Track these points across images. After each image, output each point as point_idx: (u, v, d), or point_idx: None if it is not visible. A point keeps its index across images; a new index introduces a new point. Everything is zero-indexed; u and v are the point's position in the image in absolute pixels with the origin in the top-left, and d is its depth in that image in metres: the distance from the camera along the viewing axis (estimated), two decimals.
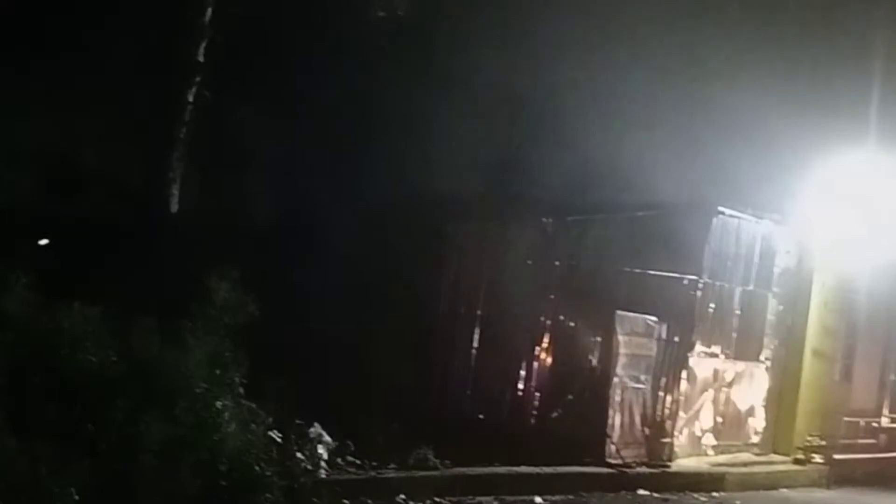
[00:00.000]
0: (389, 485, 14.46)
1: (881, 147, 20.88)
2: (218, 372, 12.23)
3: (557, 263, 20.13)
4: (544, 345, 19.64)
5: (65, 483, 10.49)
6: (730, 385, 20.51)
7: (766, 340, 21.13)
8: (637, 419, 18.39)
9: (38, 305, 11.63)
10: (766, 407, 21.26)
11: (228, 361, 12.34)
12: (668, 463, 18.71)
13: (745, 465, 20.22)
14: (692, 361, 19.34)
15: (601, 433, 17.88)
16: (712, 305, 19.73)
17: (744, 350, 20.64)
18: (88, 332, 11.53)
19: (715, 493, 18.36)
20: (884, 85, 21.34)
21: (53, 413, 10.97)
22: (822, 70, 21.94)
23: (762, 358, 21.13)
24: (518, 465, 16.40)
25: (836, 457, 20.98)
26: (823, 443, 21.17)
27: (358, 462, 14.67)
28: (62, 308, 11.61)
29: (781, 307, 21.29)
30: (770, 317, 21.09)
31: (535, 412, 19.41)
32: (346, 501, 13.59)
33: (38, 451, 10.51)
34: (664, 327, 18.94)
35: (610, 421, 17.96)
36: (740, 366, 20.63)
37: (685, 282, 19.21)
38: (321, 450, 14.08)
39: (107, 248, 15.77)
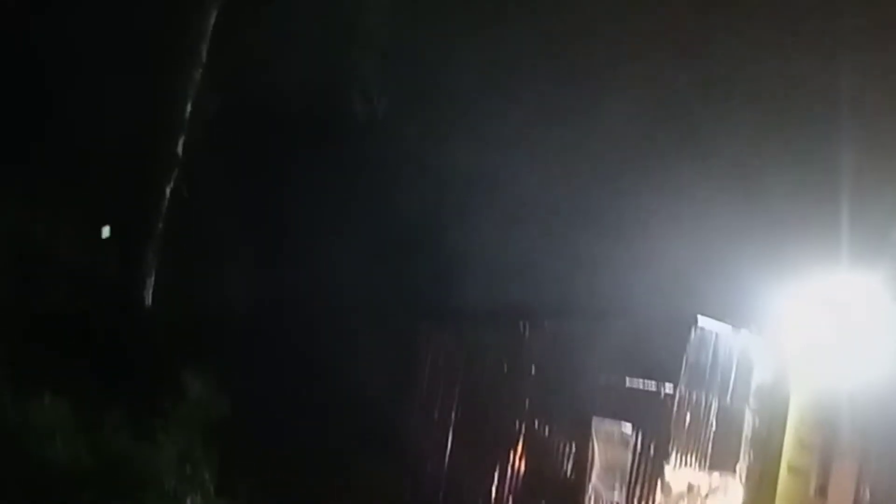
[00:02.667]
0: None
1: (857, 263, 20.89)
2: (189, 469, 12.02)
3: (533, 369, 20.02)
4: (518, 451, 19.44)
5: None
6: (704, 498, 20.26)
7: (741, 454, 20.94)
8: None
9: (8, 398, 11.41)
10: None
11: (200, 459, 12.14)
12: None
13: None
14: (667, 473, 19.13)
15: None
16: (688, 417, 19.58)
17: (719, 463, 20.39)
18: (58, 427, 11.32)
19: None
20: (858, 202, 21.42)
21: None
22: (797, 186, 22.06)
23: (737, 471, 20.91)
24: None
25: None
26: None
27: None
28: (32, 401, 11.40)
29: (758, 421, 21.13)
30: (746, 430, 20.92)
31: None
32: None
33: None
34: (639, 437, 18.78)
35: None
36: (715, 479, 20.39)
37: (662, 392, 19.07)
38: None
39: (79, 340, 15.55)
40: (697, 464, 19.86)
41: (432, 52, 21.33)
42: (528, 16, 22.11)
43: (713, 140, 22.40)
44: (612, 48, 22.38)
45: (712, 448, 20.06)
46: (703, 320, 19.50)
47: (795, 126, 22.64)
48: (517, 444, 19.58)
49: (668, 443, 19.10)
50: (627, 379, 19.12)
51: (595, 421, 18.17)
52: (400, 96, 21.42)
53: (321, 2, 21.08)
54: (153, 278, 17.65)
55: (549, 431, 19.30)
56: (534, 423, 19.59)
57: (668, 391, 19.05)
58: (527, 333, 20.32)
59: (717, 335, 19.87)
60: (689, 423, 19.53)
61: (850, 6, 21.82)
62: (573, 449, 18.73)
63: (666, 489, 19.21)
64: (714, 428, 20.07)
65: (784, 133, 22.61)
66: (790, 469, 21.10)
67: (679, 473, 19.48)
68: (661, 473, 19.03)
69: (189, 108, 19.15)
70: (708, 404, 19.88)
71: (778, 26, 22.56)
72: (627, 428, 18.62)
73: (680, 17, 22.59)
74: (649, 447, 18.90)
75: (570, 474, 18.65)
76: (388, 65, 21.19)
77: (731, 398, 20.39)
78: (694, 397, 19.57)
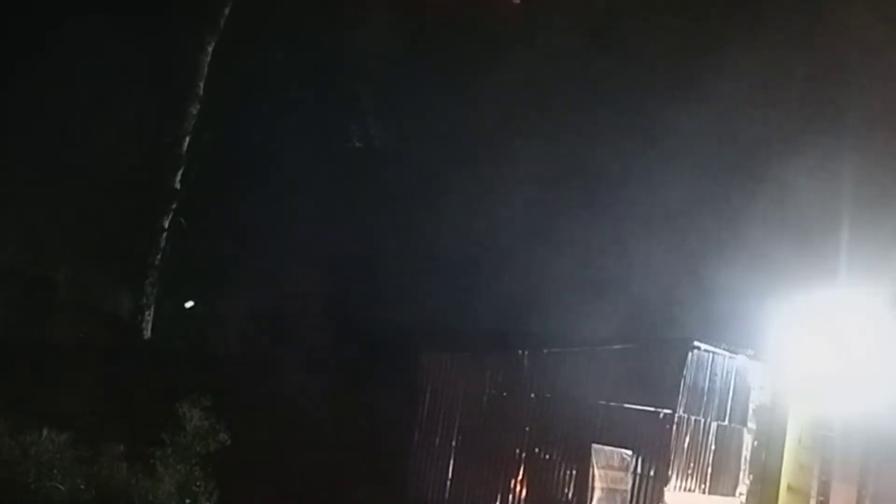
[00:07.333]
0: None
1: (853, 284, 20.92)
2: (188, 501, 12.08)
3: (533, 395, 20.07)
4: (519, 477, 19.47)
5: None
6: None
7: (741, 476, 20.94)
8: None
9: (6, 431, 11.50)
10: None
11: (199, 491, 12.20)
12: None
13: None
14: (667, 496, 19.13)
15: None
16: (687, 440, 19.60)
17: (719, 485, 20.42)
18: (56, 460, 11.40)
19: None
20: (854, 223, 21.47)
21: None
22: (794, 209, 22.11)
23: (737, 493, 20.90)
24: None
25: None
26: None
27: None
28: (30, 434, 11.50)
29: (756, 443, 21.13)
30: (745, 452, 20.94)
31: None
32: None
33: None
34: (639, 461, 18.80)
35: None
36: (715, 500, 20.39)
37: (661, 416, 19.09)
38: None
39: (78, 372, 15.65)
40: (697, 486, 19.88)
41: None
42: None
43: (711, 163, 22.49)
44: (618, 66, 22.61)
45: (711, 470, 20.09)
46: (700, 344, 19.57)
47: (795, 148, 22.74)
48: (518, 471, 19.60)
49: (668, 466, 19.11)
50: (626, 403, 19.16)
51: (595, 446, 18.18)
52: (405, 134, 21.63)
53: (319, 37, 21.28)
54: (152, 309, 17.75)
55: (550, 457, 19.31)
56: (534, 450, 19.61)
57: (666, 415, 19.10)
58: (526, 361, 20.36)
59: (714, 358, 19.93)
60: (688, 446, 19.56)
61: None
62: (574, 474, 18.72)
63: None
64: (713, 450, 20.12)
65: (784, 155, 22.70)
66: (790, 490, 21.12)
67: (679, 496, 19.50)
68: (661, 496, 19.04)
69: (187, 142, 19.29)
70: (706, 427, 19.91)
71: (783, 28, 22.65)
72: (627, 452, 18.65)
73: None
74: (649, 471, 18.90)
75: (571, 499, 18.63)
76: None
77: (730, 420, 20.43)
78: (692, 420, 19.60)
